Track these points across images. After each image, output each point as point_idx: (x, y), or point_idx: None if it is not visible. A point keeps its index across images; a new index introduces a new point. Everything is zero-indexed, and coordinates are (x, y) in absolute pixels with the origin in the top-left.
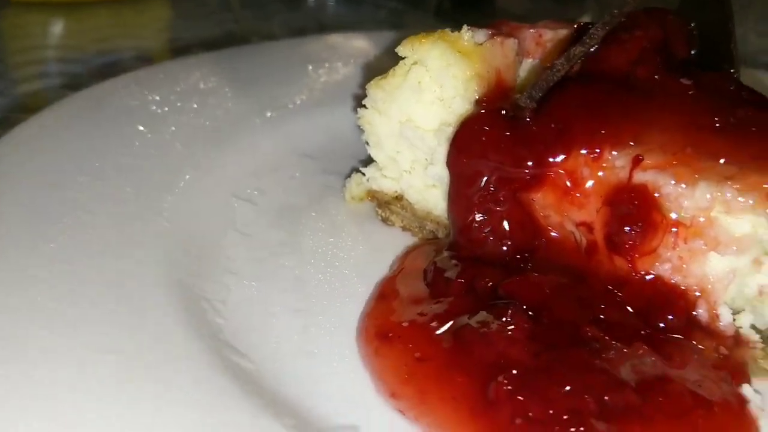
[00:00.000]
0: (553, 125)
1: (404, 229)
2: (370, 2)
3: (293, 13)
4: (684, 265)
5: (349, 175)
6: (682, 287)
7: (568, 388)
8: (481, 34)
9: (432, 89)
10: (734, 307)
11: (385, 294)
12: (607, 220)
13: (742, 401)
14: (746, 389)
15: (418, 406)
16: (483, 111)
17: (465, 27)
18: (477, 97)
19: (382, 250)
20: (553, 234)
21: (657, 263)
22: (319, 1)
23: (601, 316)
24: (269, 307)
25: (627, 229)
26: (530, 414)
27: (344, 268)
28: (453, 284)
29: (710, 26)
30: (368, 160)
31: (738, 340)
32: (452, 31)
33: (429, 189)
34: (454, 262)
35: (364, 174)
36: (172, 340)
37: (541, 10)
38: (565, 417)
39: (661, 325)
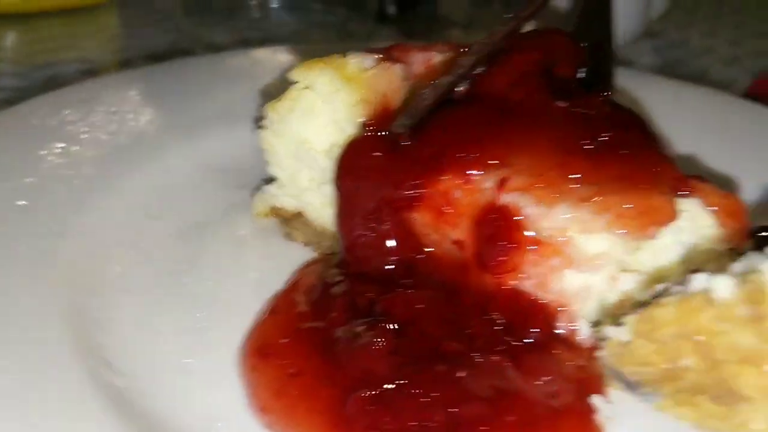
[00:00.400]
0: (427, 149)
1: (306, 244)
2: (314, 9)
3: (237, 21)
4: (545, 282)
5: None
6: (544, 303)
7: (418, 401)
8: (369, 60)
9: (323, 113)
10: (594, 320)
11: (273, 310)
12: (475, 238)
13: (592, 411)
14: (597, 399)
15: (285, 421)
16: (365, 135)
17: (351, 54)
18: (363, 120)
19: (284, 266)
20: (433, 251)
21: (521, 280)
22: (264, 9)
23: (468, 331)
24: (158, 325)
25: (491, 247)
26: (382, 427)
27: (243, 284)
28: (336, 301)
29: (598, 47)
30: (273, 177)
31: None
32: (343, 56)
33: (325, 207)
34: (340, 278)
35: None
36: (46, 358)
37: (483, 16)
38: (414, 429)
39: (526, 339)
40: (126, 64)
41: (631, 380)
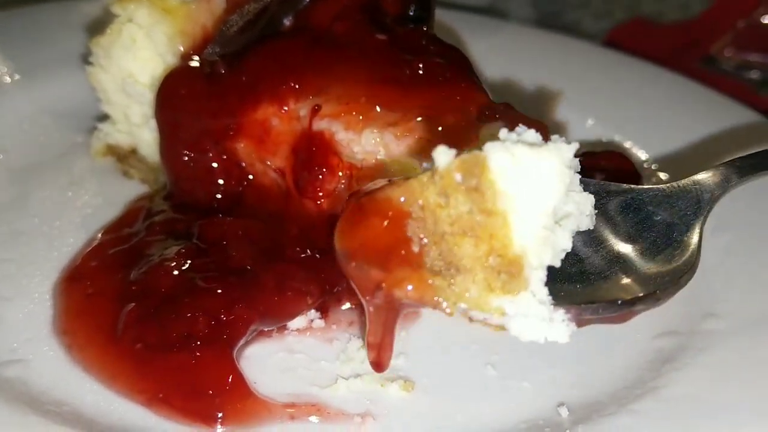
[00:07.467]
0: (243, 78)
1: (143, 181)
2: None
3: None
4: None
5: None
6: None
7: (185, 313)
8: None
9: (145, 46)
10: None
11: (95, 240)
12: (293, 165)
13: None
14: None
15: (79, 339)
16: (182, 66)
17: None
18: (182, 52)
19: (118, 203)
20: (259, 181)
21: (338, 204)
22: None
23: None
24: None
25: (307, 172)
26: (148, 339)
27: (73, 220)
28: (154, 227)
29: None
30: (106, 116)
31: None
32: None
33: (157, 142)
34: (164, 208)
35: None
36: None
37: None
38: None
39: None
40: None
41: None
